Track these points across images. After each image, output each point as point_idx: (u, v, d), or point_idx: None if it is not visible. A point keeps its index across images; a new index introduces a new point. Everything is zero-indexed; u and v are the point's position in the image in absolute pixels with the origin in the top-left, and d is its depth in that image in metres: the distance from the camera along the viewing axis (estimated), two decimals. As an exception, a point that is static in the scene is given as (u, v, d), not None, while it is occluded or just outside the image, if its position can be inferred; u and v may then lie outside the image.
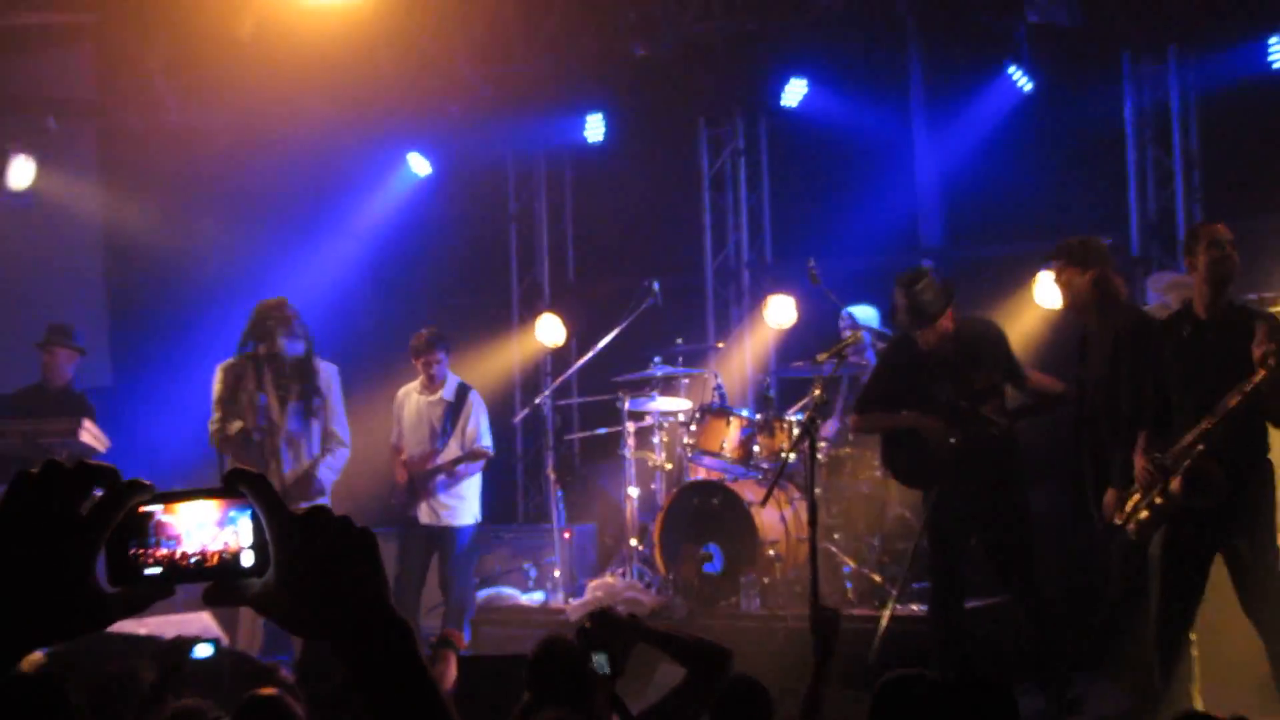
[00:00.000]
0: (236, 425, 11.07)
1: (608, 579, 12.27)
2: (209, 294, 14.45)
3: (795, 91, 13.70)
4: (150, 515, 1.99)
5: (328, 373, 11.38)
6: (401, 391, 12.60)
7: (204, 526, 2.00)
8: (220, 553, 2.00)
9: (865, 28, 12.90)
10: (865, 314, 12.45)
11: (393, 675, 1.99)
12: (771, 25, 13.17)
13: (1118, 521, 9.18)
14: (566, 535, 13.21)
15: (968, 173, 13.67)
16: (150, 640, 8.43)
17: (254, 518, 2.00)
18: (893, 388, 10.50)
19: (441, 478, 12.15)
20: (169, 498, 2.01)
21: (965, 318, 10.35)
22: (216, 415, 11.23)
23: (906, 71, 13.45)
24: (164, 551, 1.99)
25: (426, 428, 12.33)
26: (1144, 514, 8.97)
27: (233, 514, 2.01)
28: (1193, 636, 9.13)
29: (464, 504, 12.28)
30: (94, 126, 14.45)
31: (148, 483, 1.99)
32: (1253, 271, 11.57)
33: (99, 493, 1.97)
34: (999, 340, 10.14)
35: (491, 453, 12.37)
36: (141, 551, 1.99)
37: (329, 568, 1.99)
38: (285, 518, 1.99)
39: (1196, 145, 13.19)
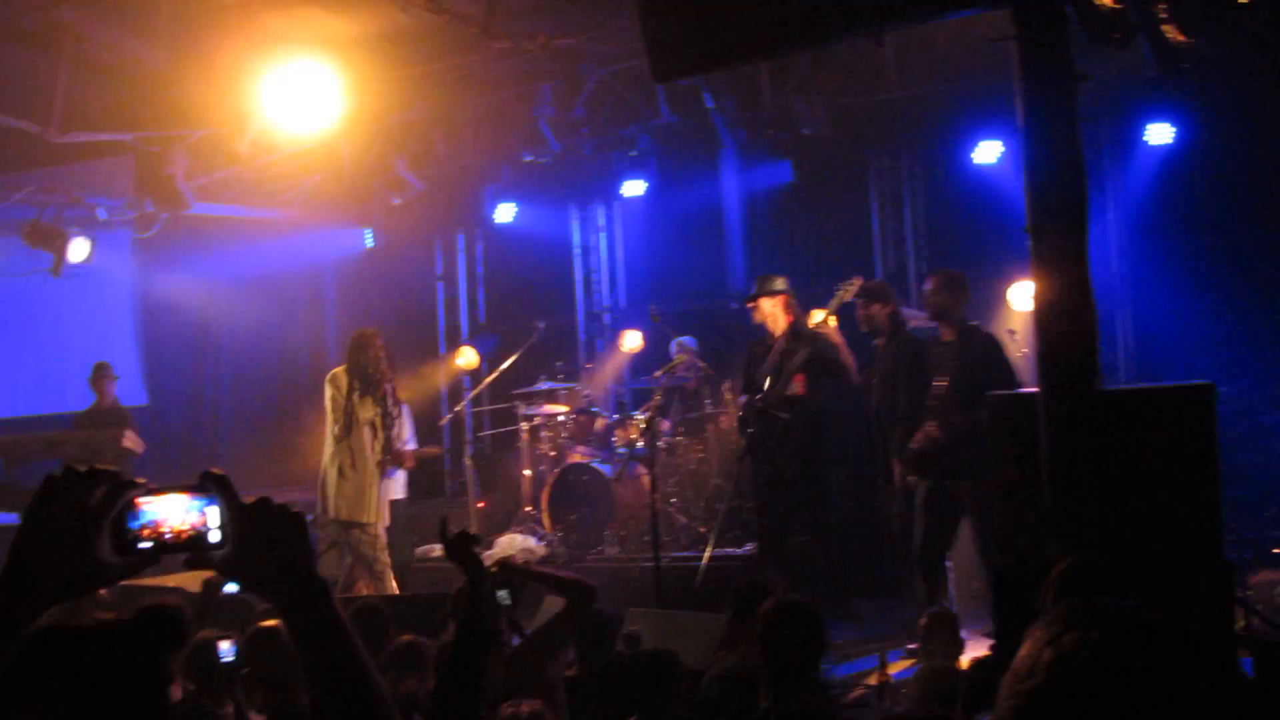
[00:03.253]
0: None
1: (511, 535, 12.31)
2: (216, 340, 14.37)
3: (636, 186, 13.85)
4: (143, 504, 2.02)
5: None
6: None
7: (183, 512, 2.03)
8: (194, 532, 2.02)
9: (693, 137, 13.02)
10: (689, 342, 12.62)
11: (315, 623, 2.00)
12: (624, 135, 13.34)
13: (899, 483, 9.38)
14: (480, 505, 13.27)
15: (761, 238, 13.87)
16: (158, 589, 8.41)
17: (220, 506, 2.03)
18: (748, 375, 10.63)
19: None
20: (157, 491, 2.04)
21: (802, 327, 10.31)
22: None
23: (718, 167, 13.58)
24: (152, 530, 2.02)
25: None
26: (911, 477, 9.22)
27: (204, 503, 2.03)
28: (949, 562, 9.32)
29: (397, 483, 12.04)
30: (132, 215, 14.29)
31: (141, 480, 2.03)
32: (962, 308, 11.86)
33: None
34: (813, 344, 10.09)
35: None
36: (136, 531, 2.02)
37: (269, 543, 2.01)
38: (239, 506, 2.02)
39: (922, 217, 13.47)
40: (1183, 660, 1.52)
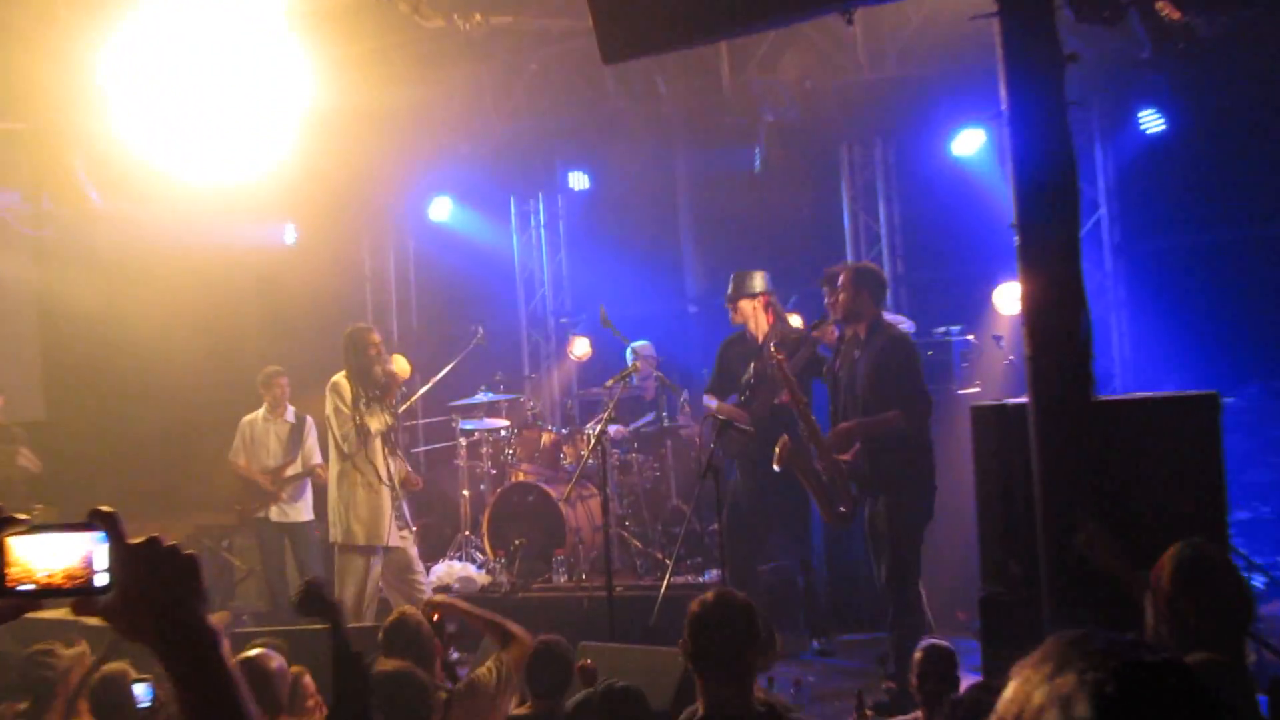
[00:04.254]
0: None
1: (448, 563, 12.22)
2: (128, 343, 14.21)
3: (581, 179, 13.80)
4: (23, 542, 1.99)
5: None
6: (246, 419, 12.21)
7: (68, 552, 2.00)
8: (80, 574, 1.99)
9: (644, 124, 12.95)
10: (644, 348, 12.56)
11: (202, 674, 1.98)
12: (565, 122, 13.27)
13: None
14: (415, 528, 13.17)
15: (719, 236, 13.85)
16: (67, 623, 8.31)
17: (109, 545, 2.00)
18: (719, 375, 10.58)
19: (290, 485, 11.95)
20: (41, 529, 2.01)
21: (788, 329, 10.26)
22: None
23: (672, 159, 13.54)
24: (35, 572, 1.99)
25: (274, 445, 12.06)
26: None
27: (93, 543, 2.00)
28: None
29: (306, 504, 12.08)
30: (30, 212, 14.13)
31: (23, 517, 2.00)
32: (945, 310, 11.89)
33: None
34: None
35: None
36: (12, 571, 1.99)
37: (156, 587, 1.98)
38: (124, 547, 1.99)
39: (897, 212, 13.47)
40: (1186, 705, 1.48)
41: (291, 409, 12.17)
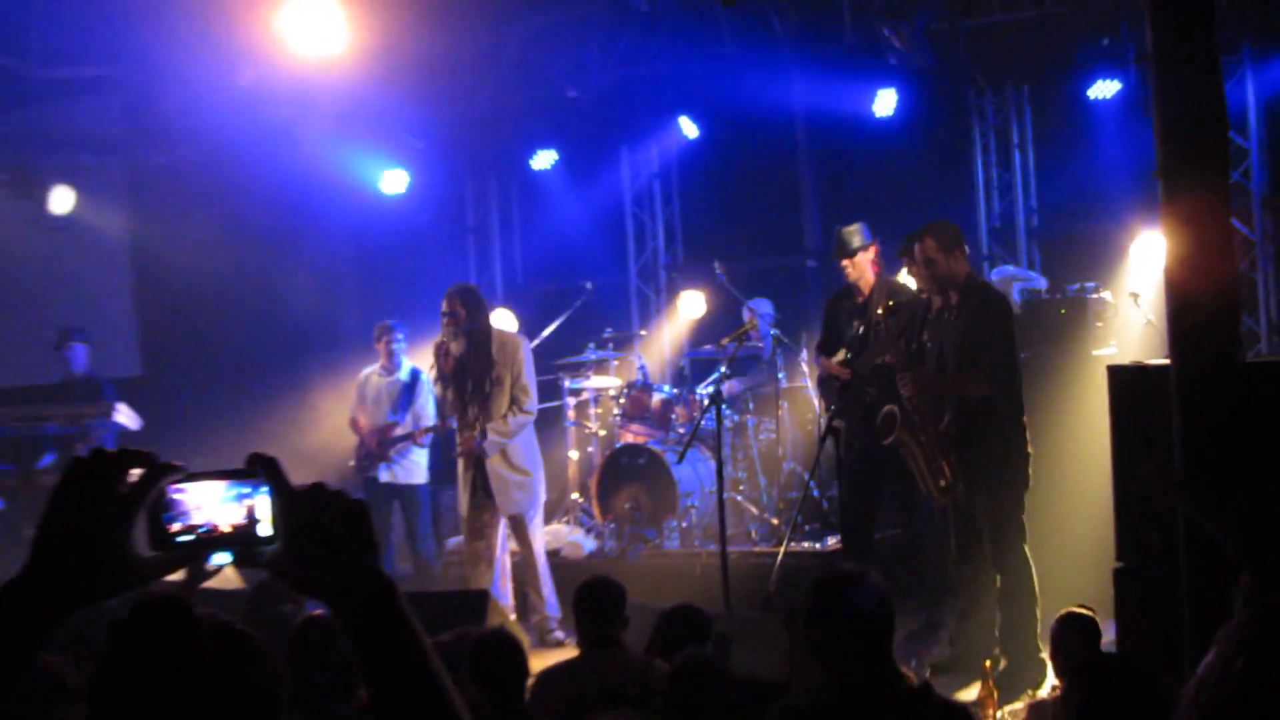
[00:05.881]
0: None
1: (555, 527, 12.32)
2: (221, 297, 14.44)
3: (695, 128, 13.75)
4: (182, 492, 1.98)
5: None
6: (362, 373, 12.25)
7: (228, 502, 1.98)
8: (241, 525, 1.98)
9: (756, 70, 12.91)
10: (761, 304, 12.57)
11: (380, 630, 1.95)
12: (679, 68, 13.20)
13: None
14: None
15: (841, 187, 13.81)
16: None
17: (270, 494, 1.98)
18: (827, 336, 10.41)
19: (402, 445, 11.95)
20: (198, 477, 2.00)
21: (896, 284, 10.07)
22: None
23: (790, 106, 13.50)
24: (193, 523, 1.98)
25: (385, 402, 12.07)
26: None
27: (252, 490, 1.98)
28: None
29: (418, 466, 12.14)
30: (122, 161, 14.39)
31: (179, 465, 1.98)
32: (1079, 266, 11.79)
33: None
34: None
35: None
36: (175, 523, 1.97)
37: (326, 537, 1.95)
38: (288, 494, 1.97)
39: (1031, 161, 13.38)
40: None
41: (407, 365, 12.15)
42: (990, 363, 8.68)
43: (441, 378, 10.35)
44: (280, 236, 14.58)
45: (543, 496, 10.79)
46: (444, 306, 10.28)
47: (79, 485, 1.95)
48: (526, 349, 10.59)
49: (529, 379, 10.46)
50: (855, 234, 10.13)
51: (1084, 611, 6.62)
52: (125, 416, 12.02)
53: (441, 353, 10.26)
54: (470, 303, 10.31)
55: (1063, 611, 6.80)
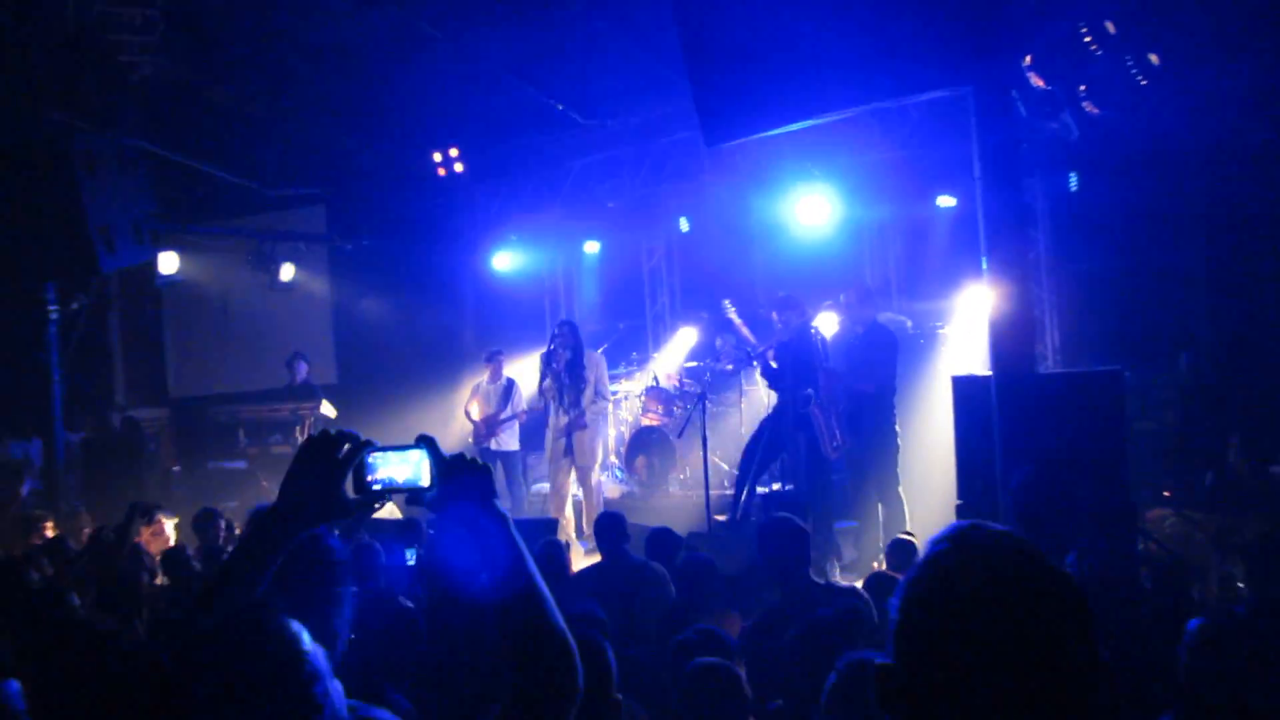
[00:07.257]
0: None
1: (599, 476, 12.22)
2: (388, 333, 14.43)
3: (685, 224, 13.22)
4: (375, 457, 2.02)
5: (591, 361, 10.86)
6: (474, 381, 12.26)
7: (403, 463, 2.02)
8: (412, 480, 2.02)
9: (727, 191, 12.33)
10: (729, 338, 12.22)
11: (500, 540, 1.99)
12: (678, 188, 12.64)
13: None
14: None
15: (783, 264, 13.60)
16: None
17: (429, 458, 2.03)
18: None
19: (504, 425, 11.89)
20: (386, 449, 2.04)
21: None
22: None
23: (749, 213, 13.20)
24: (381, 476, 2.02)
25: (493, 400, 11.98)
26: None
27: (419, 456, 2.02)
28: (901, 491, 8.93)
29: (513, 439, 12.01)
30: (325, 248, 14.40)
31: (372, 440, 2.04)
32: (929, 313, 11.63)
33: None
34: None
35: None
36: (371, 478, 2.03)
37: (463, 486, 2.01)
38: (441, 459, 2.02)
39: (902, 253, 13.16)
40: (1031, 581, 1.39)
41: (506, 377, 12.06)
42: (876, 370, 8.72)
43: (554, 376, 10.51)
44: (426, 295, 14.59)
45: (600, 456, 10.92)
46: (555, 331, 10.75)
47: (313, 451, 2.02)
48: (603, 362, 11.03)
49: (605, 381, 10.84)
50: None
51: (907, 538, 6.81)
52: (328, 409, 12.07)
53: (549, 361, 10.49)
54: (570, 330, 10.65)
55: (892, 539, 6.88)
